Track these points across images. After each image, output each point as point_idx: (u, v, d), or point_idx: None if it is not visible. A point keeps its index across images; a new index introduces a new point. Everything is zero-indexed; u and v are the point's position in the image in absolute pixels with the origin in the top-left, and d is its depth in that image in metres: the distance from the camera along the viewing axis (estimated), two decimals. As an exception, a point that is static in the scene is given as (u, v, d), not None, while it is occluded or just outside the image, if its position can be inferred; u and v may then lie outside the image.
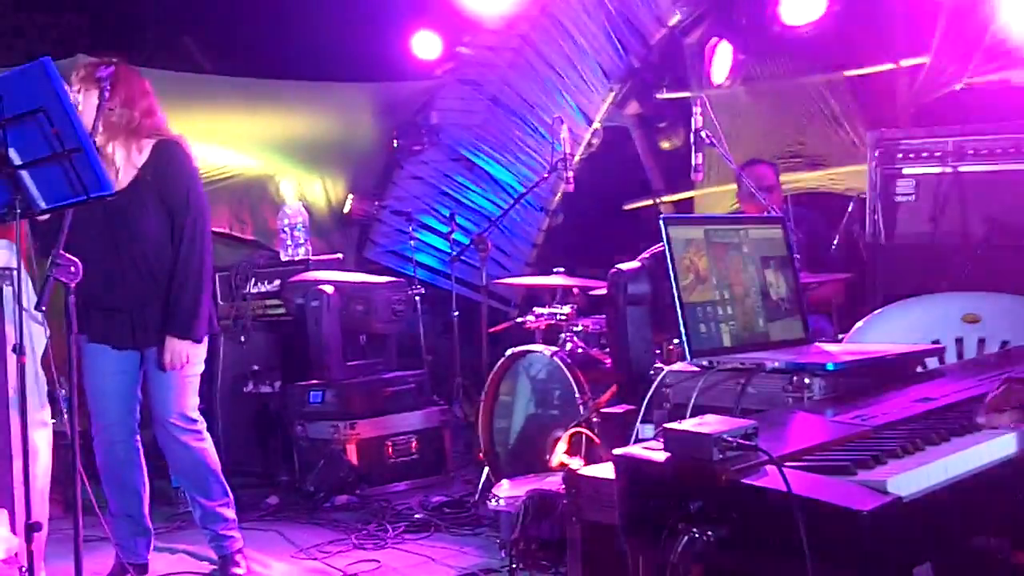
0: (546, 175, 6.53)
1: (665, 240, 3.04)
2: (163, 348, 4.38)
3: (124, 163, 4.39)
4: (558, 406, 5.30)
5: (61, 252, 3.54)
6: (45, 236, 4.02)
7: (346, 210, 8.88)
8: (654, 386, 3.06)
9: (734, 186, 6.26)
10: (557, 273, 5.69)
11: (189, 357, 4.42)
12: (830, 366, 2.77)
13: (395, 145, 8.76)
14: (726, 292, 3.15)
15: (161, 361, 4.39)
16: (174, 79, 7.02)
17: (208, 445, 4.59)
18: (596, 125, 8.02)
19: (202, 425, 4.58)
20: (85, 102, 4.24)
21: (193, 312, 4.41)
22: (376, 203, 8.93)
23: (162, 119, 4.50)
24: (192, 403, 4.55)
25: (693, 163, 4.85)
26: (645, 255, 3.93)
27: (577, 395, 5.11)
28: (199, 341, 4.45)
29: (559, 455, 4.48)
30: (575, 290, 5.66)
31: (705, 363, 2.97)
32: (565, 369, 5.21)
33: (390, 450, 6.19)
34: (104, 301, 4.40)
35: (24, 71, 3.39)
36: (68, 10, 7.72)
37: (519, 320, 5.93)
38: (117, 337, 4.45)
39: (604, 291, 5.31)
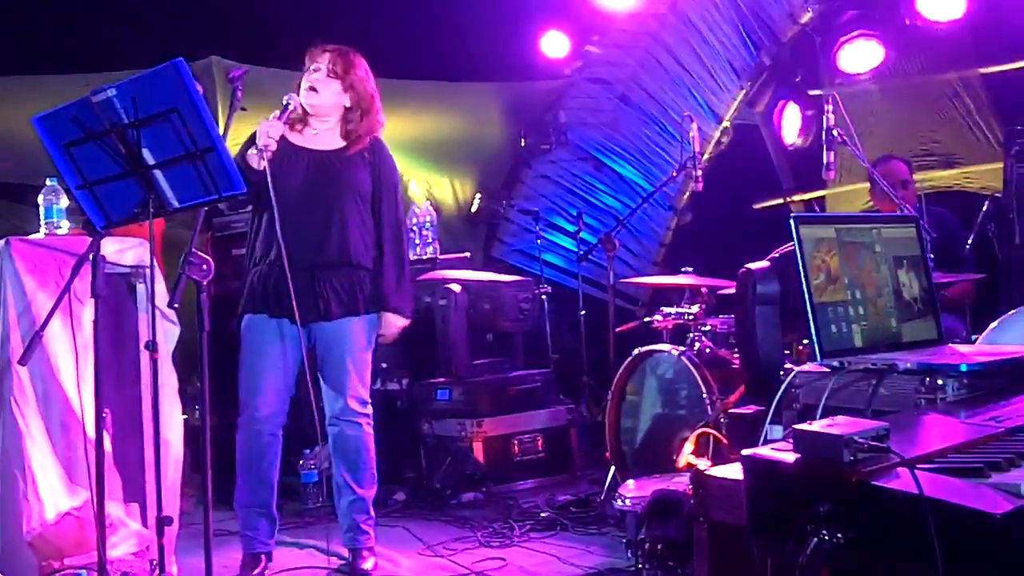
0: (675, 174, 6.48)
1: (795, 239, 2.99)
2: (345, 321, 4.55)
3: (337, 132, 4.62)
4: (685, 406, 5.25)
5: (194, 250, 3.61)
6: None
7: (474, 209, 8.93)
8: (783, 387, 3.02)
9: (867, 184, 6.14)
10: (685, 272, 5.64)
11: (367, 338, 4.64)
12: (963, 367, 2.70)
13: (523, 144, 8.80)
14: (858, 292, 3.09)
15: (381, 334, 4.68)
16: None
17: (372, 432, 4.69)
18: (726, 123, 7.94)
19: (370, 410, 4.69)
20: (325, 82, 4.53)
21: (409, 290, 4.75)
22: (504, 202, 8.98)
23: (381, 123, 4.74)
24: (367, 387, 4.66)
25: (825, 161, 4.76)
26: (775, 254, 3.87)
27: (705, 395, 5.07)
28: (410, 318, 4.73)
29: (686, 455, 4.45)
30: (703, 289, 5.60)
31: (836, 364, 2.92)
32: (693, 369, 5.17)
33: (516, 448, 6.21)
34: (296, 260, 4.41)
35: (157, 72, 3.43)
36: (201, 12, 7.91)
37: (646, 319, 5.89)
38: (298, 307, 4.39)
39: (733, 291, 5.27)
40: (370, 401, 4.69)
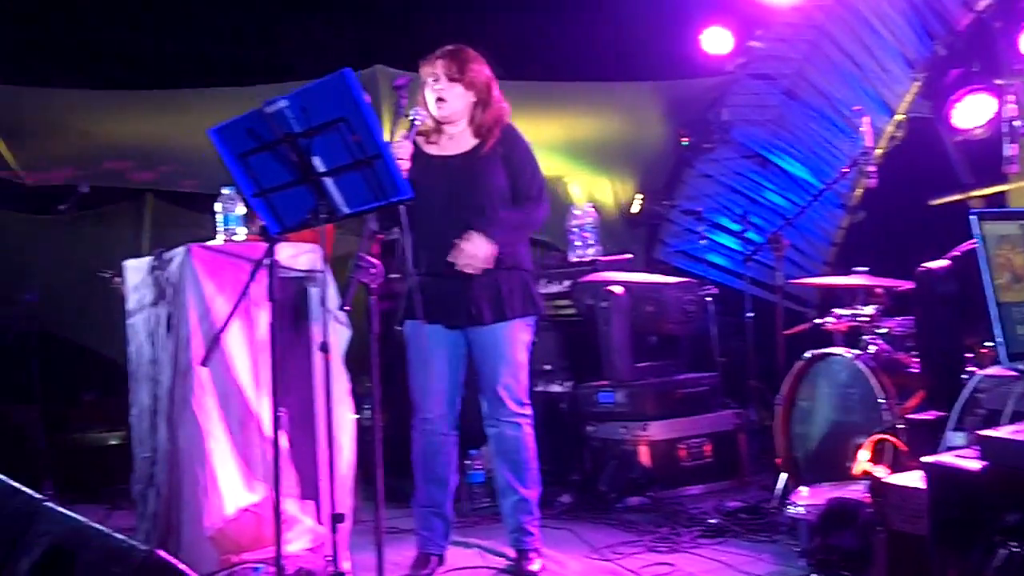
0: (846, 170, 6.29)
1: (977, 237, 2.86)
2: (498, 326, 4.53)
3: (468, 132, 4.62)
4: (860, 412, 5.08)
5: (363, 255, 3.67)
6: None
7: (635, 210, 8.86)
8: (966, 391, 2.90)
9: (1052, 178, 5.86)
10: (858, 272, 5.47)
11: (522, 340, 4.60)
12: None
13: (685, 143, 8.69)
14: (1047, 291, 2.93)
15: (456, 251, 4.42)
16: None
17: (532, 432, 4.68)
18: (899, 116, 7.69)
19: (530, 410, 4.68)
20: (449, 87, 4.51)
21: (511, 232, 4.57)
22: (665, 202, 8.89)
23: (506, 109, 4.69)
24: (526, 387, 4.66)
25: (1005, 154, 4.56)
26: (955, 253, 3.74)
27: (881, 400, 4.89)
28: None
29: (862, 463, 4.32)
30: (878, 290, 5.42)
31: (1023, 367, 2.78)
32: (868, 373, 5.00)
33: (683, 453, 6.12)
34: (444, 269, 4.48)
35: (326, 83, 3.50)
36: (363, 23, 8.06)
37: (817, 322, 5.74)
38: (451, 313, 4.53)
39: (910, 291, 5.09)
40: (529, 402, 4.67)
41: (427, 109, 4.53)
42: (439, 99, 4.52)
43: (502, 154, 4.61)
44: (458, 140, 4.63)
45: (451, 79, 4.52)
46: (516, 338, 4.61)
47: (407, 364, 4.65)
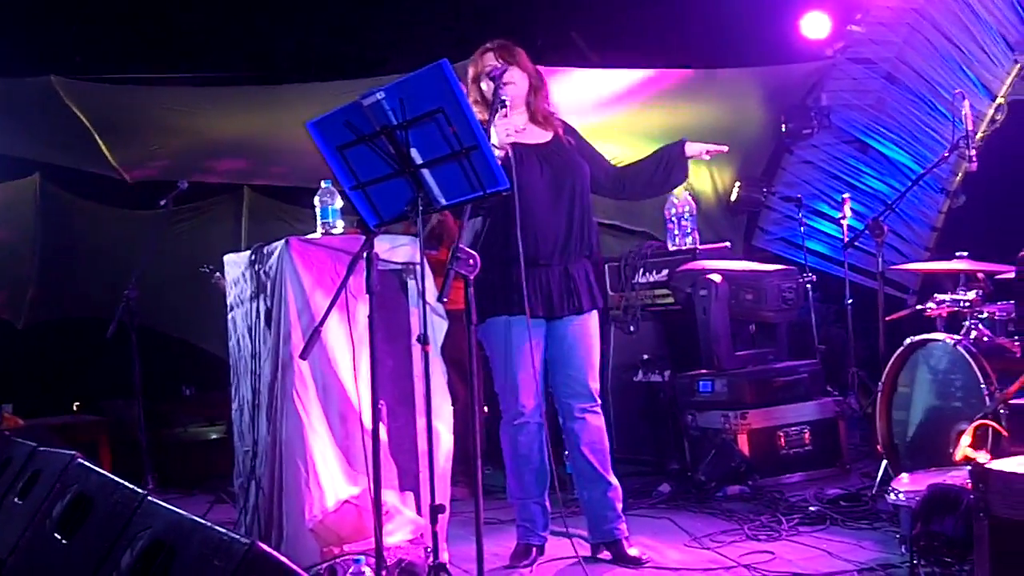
0: (946, 154, 6.19)
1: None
2: (591, 314, 4.62)
3: (530, 125, 4.63)
4: (961, 397, 5.00)
5: (461, 246, 3.67)
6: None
7: (733, 198, 8.80)
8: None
9: None
10: (959, 257, 5.37)
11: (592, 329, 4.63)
12: None
13: (783, 129, 8.60)
14: None
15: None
16: (562, 75, 7.17)
17: None
18: (1000, 100, 7.53)
19: None
20: (511, 71, 4.50)
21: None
22: (764, 190, 8.81)
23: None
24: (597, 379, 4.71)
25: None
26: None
27: (982, 386, 4.81)
28: None
29: (963, 448, 4.25)
30: (979, 275, 5.32)
31: None
32: (969, 358, 4.91)
33: (782, 441, 6.07)
34: (543, 257, 4.52)
35: (423, 74, 3.49)
36: (460, 14, 8.10)
37: (918, 307, 5.65)
38: (550, 304, 4.55)
39: (1012, 275, 4.99)
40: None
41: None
42: (506, 83, 4.47)
43: (576, 147, 4.68)
44: (530, 130, 4.62)
45: (507, 63, 4.50)
46: (597, 327, 4.69)
47: (492, 361, 4.67)
